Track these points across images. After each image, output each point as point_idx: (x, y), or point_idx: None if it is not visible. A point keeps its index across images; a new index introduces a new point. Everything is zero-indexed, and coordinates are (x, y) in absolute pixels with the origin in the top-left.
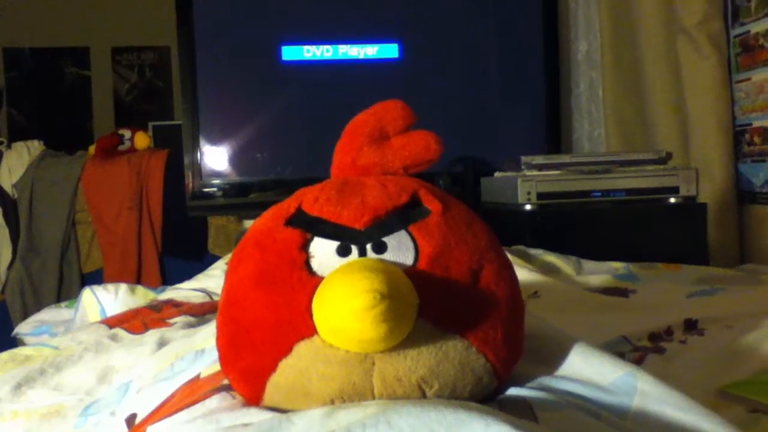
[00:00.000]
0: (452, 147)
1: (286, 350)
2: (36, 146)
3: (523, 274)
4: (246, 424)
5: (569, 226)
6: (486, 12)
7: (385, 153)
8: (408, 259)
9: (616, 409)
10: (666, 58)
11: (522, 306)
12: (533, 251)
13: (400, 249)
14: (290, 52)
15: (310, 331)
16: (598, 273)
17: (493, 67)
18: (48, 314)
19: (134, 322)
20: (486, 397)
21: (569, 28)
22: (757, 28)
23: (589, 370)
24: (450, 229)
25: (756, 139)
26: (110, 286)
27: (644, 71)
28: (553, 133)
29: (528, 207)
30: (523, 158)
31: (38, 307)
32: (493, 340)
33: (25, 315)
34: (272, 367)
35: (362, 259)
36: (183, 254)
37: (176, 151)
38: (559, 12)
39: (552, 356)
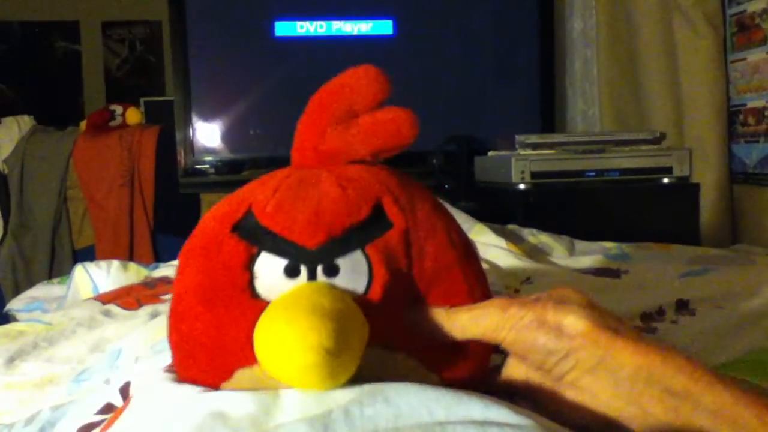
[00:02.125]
0: (446, 125)
1: (227, 375)
2: (26, 121)
3: (514, 261)
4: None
5: (563, 205)
6: None
7: (352, 136)
8: (361, 283)
9: None
10: (661, 37)
11: None
12: (526, 230)
13: (353, 272)
14: (283, 28)
15: (249, 360)
16: (591, 253)
17: (487, 44)
18: (40, 290)
19: (127, 298)
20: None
21: (564, 6)
22: (753, 7)
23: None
24: (410, 246)
25: (750, 120)
26: (102, 263)
27: (639, 50)
28: (547, 112)
29: (522, 186)
30: (518, 137)
31: (30, 283)
32: (444, 359)
33: (17, 291)
34: (215, 386)
35: (311, 288)
36: (175, 231)
37: (168, 127)
38: None
39: None
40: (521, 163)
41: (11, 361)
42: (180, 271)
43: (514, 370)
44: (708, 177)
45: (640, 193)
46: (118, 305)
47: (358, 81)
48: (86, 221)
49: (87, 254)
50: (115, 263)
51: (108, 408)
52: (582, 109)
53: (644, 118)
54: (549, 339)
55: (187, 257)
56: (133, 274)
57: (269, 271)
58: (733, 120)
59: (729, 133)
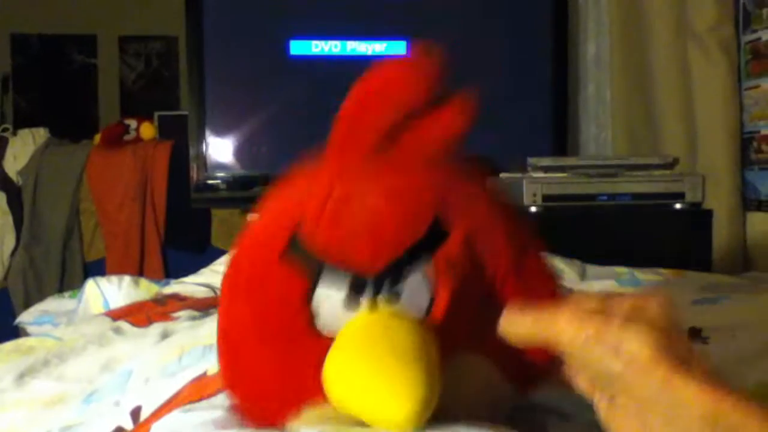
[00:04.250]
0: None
1: (294, 412)
2: (41, 134)
3: None
4: None
5: (574, 228)
6: (495, 11)
7: (401, 148)
8: (423, 301)
9: None
10: (675, 63)
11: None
12: None
13: (416, 292)
14: (298, 47)
15: (317, 398)
16: (602, 278)
17: (500, 66)
18: (51, 304)
19: (138, 315)
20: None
21: (578, 29)
22: None
23: None
24: (473, 250)
25: (764, 147)
26: (114, 278)
27: (653, 75)
28: (559, 135)
29: (533, 209)
30: (530, 160)
31: (40, 294)
32: (508, 352)
33: (28, 302)
34: (282, 422)
35: (380, 322)
36: (186, 246)
37: (181, 142)
38: (569, 13)
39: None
40: (533, 185)
41: (21, 377)
42: (225, 303)
43: (571, 373)
44: (721, 203)
45: (652, 218)
46: (128, 322)
47: (401, 84)
48: (97, 234)
49: (97, 267)
50: (127, 279)
51: (118, 431)
52: (594, 133)
53: (657, 143)
54: (604, 358)
55: (233, 288)
56: (145, 290)
57: (328, 302)
58: (747, 147)
59: (742, 160)
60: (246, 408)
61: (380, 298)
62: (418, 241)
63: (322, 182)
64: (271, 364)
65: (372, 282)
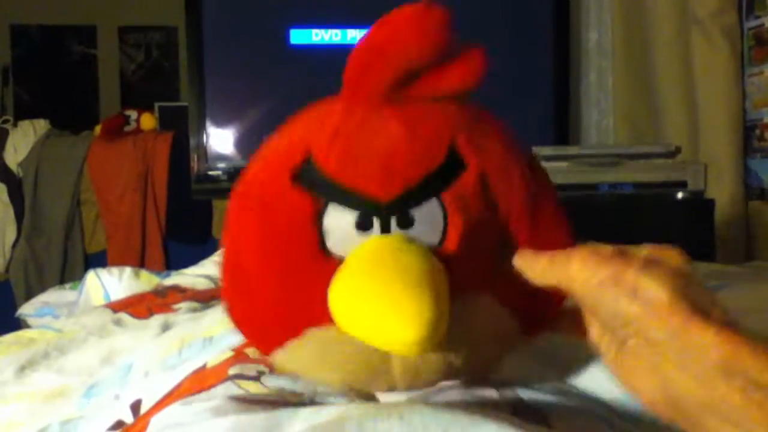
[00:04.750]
0: None
1: (296, 333)
2: (42, 125)
3: None
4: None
5: (576, 218)
6: (496, 0)
7: (428, 74)
8: (437, 232)
9: (630, 417)
10: (677, 50)
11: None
12: None
13: (429, 222)
14: (298, 36)
15: (323, 320)
16: None
17: (502, 55)
18: (52, 296)
19: (139, 307)
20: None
21: (580, 17)
22: None
23: (603, 377)
24: (487, 187)
25: (767, 135)
26: (114, 270)
27: (655, 62)
28: (561, 122)
29: None
30: (532, 149)
31: (42, 286)
32: (517, 294)
33: (29, 293)
34: (279, 343)
35: (391, 245)
36: (187, 237)
37: (182, 133)
38: (570, 0)
39: (568, 362)
40: None
41: (22, 370)
42: (232, 226)
43: (585, 319)
44: (723, 192)
45: (654, 207)
46: (129, 314)
47: (411, 35)
48: (99, 226)
49: (99, 258)
50: (128, 270)
51: (119, 425)
52: (596, 121)
53: (659, 132)
54: (619, 300)
55: (241, 211)
56: (145, 281)
57: (339, 224)
58: (750, 135)
59: (745, 148)
60: (247, 331)
61: (392, 221)
62: (433, 169)
63: (336, 111)
64: (277, 285)
65: (385, 207)
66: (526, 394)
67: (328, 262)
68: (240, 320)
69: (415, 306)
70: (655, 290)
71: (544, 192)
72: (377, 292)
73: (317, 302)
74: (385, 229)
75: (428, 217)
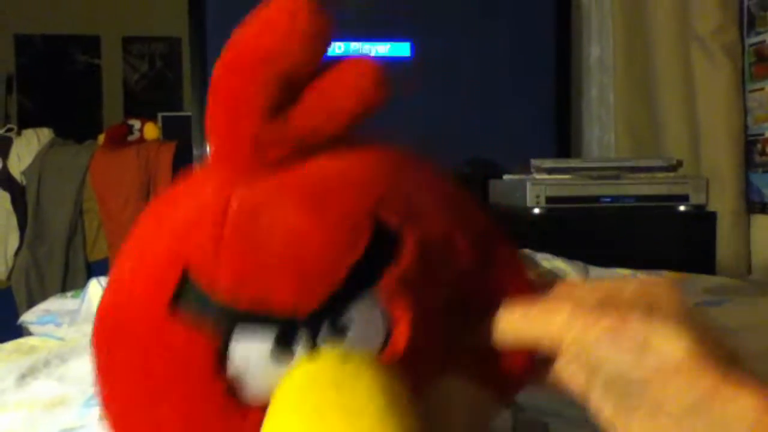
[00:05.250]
0: (461, 148)
1: None
2: (45, 134)
3: None
4: None
5: (577, 230)
6: (498, 14)
7: (299, 120)
8: (378, 334)
9: None
10: (679, 66)
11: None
12: (540, 255)
13: (366, 325)
14: None
15: None
16: (605, 279)
17: (504, 68)
18: (53, 304)
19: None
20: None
21: (582, 32)
22: None
23: None
24: (427, 259)
25: None
26: None
27: (656, 78)
28: (563, 137)
29: (536, 210)
30: (533, 161)
31: (43, 293)
32: (485, 362)
33: (30, 301)
34: None
35: (323, 379)
36: None
37: (185, 143)
38: (572, 15)
39: None
40: (536, 187)
41: (23, 378)
42: (104, 375)
43: (570, 375)
44: (724, 206)
45: (656, 220)
46: None
47: (283, 37)
48: (101, 234)
49: (101, 267)
50: None
51: None
52: (598, 135)
53: (660, 146)
54: (627, 358)
55: (111, 354)
56: None
57: (249, 359)
58: (751, 149)
59: (746, 162)
60: None
61: (320, 340)
62: (359, 257)
63: (211, 194)
64: None
65: (307, 320)
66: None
67: (247, 416)
68: None
69: None
70: (669, 348)
71: (492, 236)
72: None
73: None
74: (312, 347)
75: (365, 319)
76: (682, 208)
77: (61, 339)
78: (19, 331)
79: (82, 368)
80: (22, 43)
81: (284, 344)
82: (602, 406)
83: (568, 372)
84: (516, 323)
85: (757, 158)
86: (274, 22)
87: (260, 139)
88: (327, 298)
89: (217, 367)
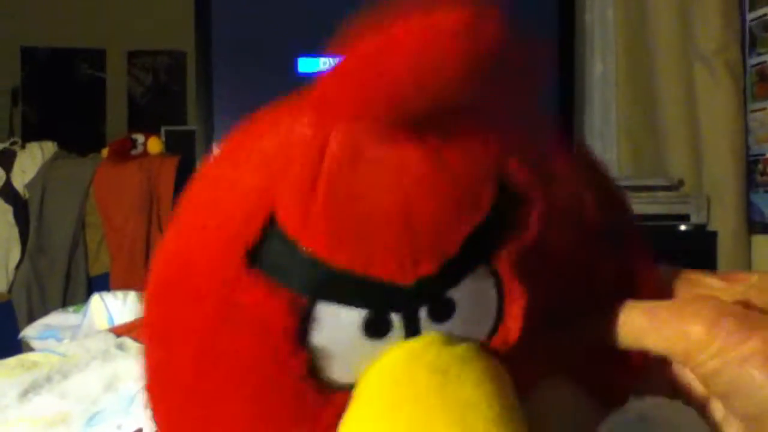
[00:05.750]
0: None
1: None
2: (49, 147)
3: None
4: None
5: None
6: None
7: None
8: (487, 318)
9: None
10: (681, 84)
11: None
12: None
13: (476, 305)
14: (306, 64)
15: None
16: None
17: None
18: (55, 318)
19: (141, 331)
20: None
21: (585, 49)
22: None
23: None
24: (551, 233)
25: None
26: (119, 293)
27: (659, 96)
28: None
29: None
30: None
31: (44, 307)
32: (594, 363)
33: (31, 314)
34: None
35: (430, 358)
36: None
37: (188, 157)
38: (576, 32)
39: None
40: None
41: (25, 393)
42: (153, 334)
43: (700, 393)
44: (726, 226)
45: (657, 239)
46: (132, 338)
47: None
48: (102, 248)
49: (102, 281)
50: (132, 294)
51: None
52: (600, 153)
53: (662, 164)
54: None
55: (168, 314)
56: None
57: (336, 333)
58: (752, 169)
59: (748, 183)
60: None
61: (422, 317)
62: (480, 223)
63: (307, 128)
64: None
65: (409, 291)
66: None
67: (323, 400)
68: None
69: None
70: None
71: (624, 220)
72: None
73: None
74: (412, 328)
75: (475, 297)
76: (683, 227)
77: (63, 354)
78: (20, 345)
79: (84, 384)
80: (28, 55)
81: (381, 318)
82: (722, 423)
83: (699, 389)
84: (643, 326)
85: (759, 178)
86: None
87: (382, 89)
88: (438, 266)
89: (298, 337)
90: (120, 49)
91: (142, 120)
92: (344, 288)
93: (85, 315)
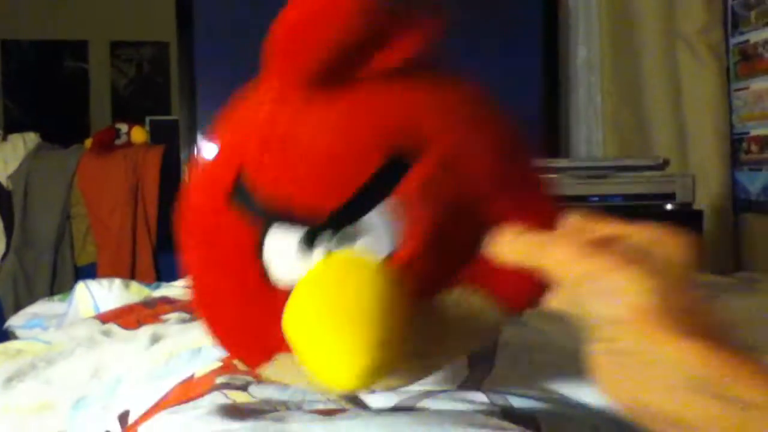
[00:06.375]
0: None
1: (267, 358)
2: (32, 138)
3: None
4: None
5: None
6: (486, 15)
7: (365, 44)
8: (386, 239)
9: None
10: (665, 65)
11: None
12: None
13: (377, 229)
14: None
15: (287, 347)
16: None
17: (491, 69)
18: (40, 307)
19: (127, 318)
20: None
21: (569, 33)
22: (756, 37)
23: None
24: (449, 173)
25: (753, 148)
26: (104, 281)
27: (643, 78)
28: (550, 137)
29: None
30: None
31: (31, 299)
32: (500, 276)
33: (18, 307)
34: (256, 363)
35: (334, 272)
36: (177, 250)
37: (173, 147)
38: (559, 16)
39: (560, 370)
40: None
41: (9, 381)
42: (186, 253)
43: (564, 307)
44: (711, 204)
45: (643, 218)
46: (117, 325)
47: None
48: (89, 238)
49: (88, 271)
50: (117, 282)
51: None
52: (585, 135)
53: (647, 145)
54: (593, 300)
55: (188, 238)
56: (135, 293)
57: (280, 248)
58: (737, 148)
59: (732, 161)
60: (226, 350)
61: (337, 242)
62: (379, 170)
63: (265, 113)
64: (234, 317)
65: (327, 219)
66: (516, 401)
67: (276, 294)
68: (218, 341)
69: (348, 353)
70: (630, 294)
71: (521, 157)
72: (317, 334)
73: (274, 334)
74: (330, 246)
75: (374, 227)
76: (669, 206)
77: (48, 343)
78: (6, 336)
79: (69, 371)
80: (10, 48)
81: (307, 242)
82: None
83: (562, 304)
84: (516, 248)
85: (743, 157)
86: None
87: (311, 81)
88: (343, 204)
89: (256, 252)
90: (103, 40)
91: (126, 111)
92: (285, 215)
93: (70, 303)
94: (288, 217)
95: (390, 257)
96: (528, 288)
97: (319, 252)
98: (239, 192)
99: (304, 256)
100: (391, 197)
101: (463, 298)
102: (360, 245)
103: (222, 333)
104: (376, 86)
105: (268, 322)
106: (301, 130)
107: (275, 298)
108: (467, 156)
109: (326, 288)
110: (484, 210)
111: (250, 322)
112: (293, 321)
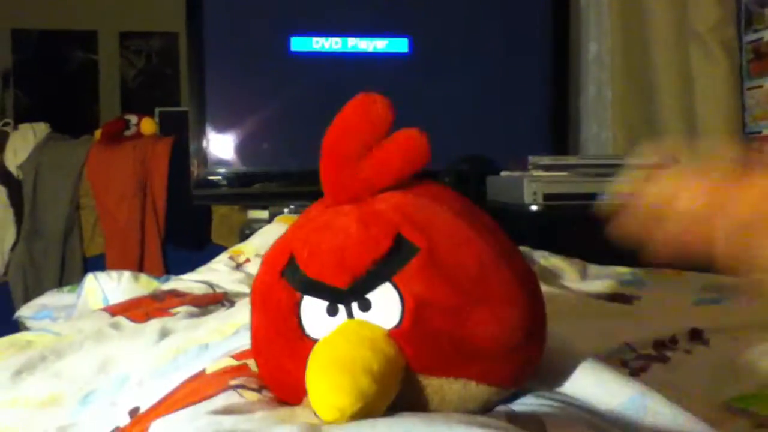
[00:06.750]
0: (458, 144)
1: (300, 399)
2: (42, 128)
3: None
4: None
5: (575, 227)
6: (496, 10)
7: (374, 168)
8: (394, 314)
9: (626, 428)
10: (677, 63)
11: (540, 308)
12: (537, 253)
13: (385, 304)
14: (299, 44)
15: None
16: (603, 278)
17: (502, 65)
18: (50, 298)
19: (136, 311)
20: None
21: (580, 29)
22: None
23: (600, 389)
24: (440, 263)
25: (766, 147)
26: (113, 273)
27: (654, 75)
28: (560, 134)
29: (534, 207)
30: (531, 158)
31: (40, 288)
32: (494, 370)
33: (27, 296)
34: (295, 402)
35: (342, 335)
36: (186, 242)
37: (182, 138)
38: (570, 12)
39: (563, 371)
40: (534, 184)
41: (18, 374)
42: (252, 312)
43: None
44: None
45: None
46: (126, 318)
47: (371, 112)
48: (97, 230)
49: (97, 262)
50: (126, 274)
51: None
52: (595, 132)
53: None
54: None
55: (253, 302)
56: (144, 285)
57: (313, 312)
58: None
59: None
60: (272, 390)
61: (354, 306)
62: (381, 257)
63: (313, 216)
64: (275, 362)
65: (344, 292)
66: (518, 407)
67: (306, 344)
68: (266, 380)
69: (332, 395)
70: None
71: (507, 252)
72: (318, 378)
73: (303, 382)
74: (349, 313)
75: (384, 298)
76: None
77: (57, 334)
78: (16, 327)
79: (78, 365)
80: (19, 38)
81: (333, 306)
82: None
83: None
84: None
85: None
86: (362, 111)
87: (345, 183)
88: (355, 278)
89: (295, 309)
90: (112, 30)
91: (135, 102)
92: (314, 289)
93: (79, 295)
94: (317, 291)
95: (397, 327)
96: (517, 369)
97: (340, 317)
98: (289, 269)
99: (330, 319)
100: (398, 276)
101: (459, 389)
102: (371, 313)
103: (268, 374)
104: (382, 198)
105: (299, 366)
106: (332, 227)
107: (304, 346)
108: (453, 248)
109: (334, 346)
110: (471, 296)
111: (289, 367)
112: (309, 366)
